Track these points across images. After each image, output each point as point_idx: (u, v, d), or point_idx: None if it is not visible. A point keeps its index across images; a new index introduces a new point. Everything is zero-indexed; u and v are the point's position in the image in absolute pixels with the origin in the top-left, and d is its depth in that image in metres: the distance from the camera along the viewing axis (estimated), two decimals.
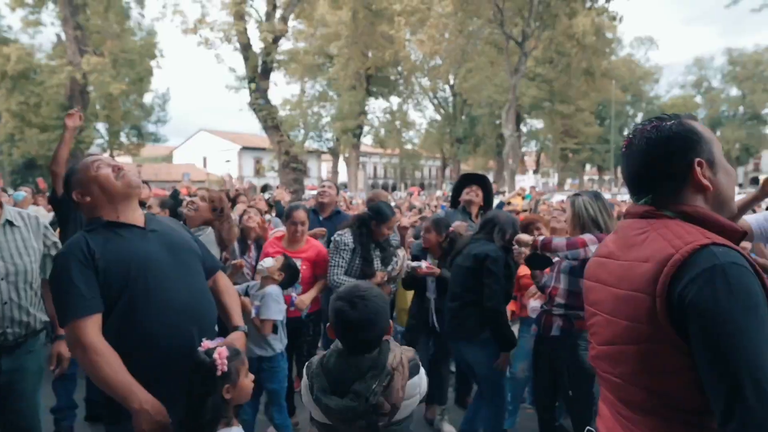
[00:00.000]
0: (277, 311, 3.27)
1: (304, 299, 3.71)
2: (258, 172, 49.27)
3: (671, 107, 47.65)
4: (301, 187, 21.51)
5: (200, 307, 2.00)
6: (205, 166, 50.63)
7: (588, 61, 23.81)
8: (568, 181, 50.39)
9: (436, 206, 11.44)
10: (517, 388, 3.86)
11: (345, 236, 3.72)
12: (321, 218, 4.78)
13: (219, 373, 1.71)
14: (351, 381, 1.72)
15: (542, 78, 31.11)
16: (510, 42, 21.67)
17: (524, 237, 3.07)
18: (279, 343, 3.37)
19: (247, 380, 1.85)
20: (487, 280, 3.22)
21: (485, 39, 24.46)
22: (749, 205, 2.58)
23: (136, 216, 1.97)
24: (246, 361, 1.88)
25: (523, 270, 3.75)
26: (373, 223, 3.74)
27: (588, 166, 53.71)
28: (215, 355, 1.72)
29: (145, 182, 5.71)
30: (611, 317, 1.27)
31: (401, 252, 4.04)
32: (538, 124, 43.08)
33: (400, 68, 35.25)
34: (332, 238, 3.77)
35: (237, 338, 2.08)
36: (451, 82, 38.98)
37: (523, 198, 18.41)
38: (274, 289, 3.31)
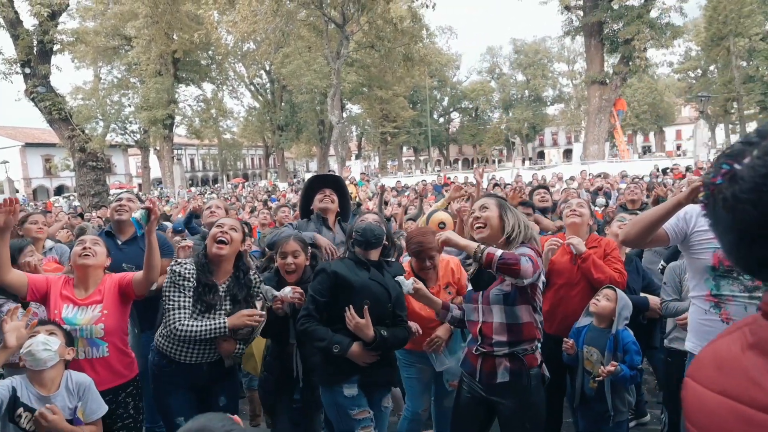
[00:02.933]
0: (101, 402, 2.39)
1: None
2: (50, 172, 42.28)
3: (472, 91, 52.69)
4: (104, 188, 18.70)
5: None
6: None
7: (407, 47, 24.61)
8: (389, 163, 52.76)
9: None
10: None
11: (185, 266, 2.70)
12: (120, 242, 3.45)
13: None
14: None
15: (360, 63, 31.50)
16: (330, 26, 21.30)
17: (453, 238, 2.33)
18: None
19: None
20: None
21: (303, 21, 23.72)
22: (672, 212, 2.18)
23: None
24: None
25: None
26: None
27: (404, 149, 56.77)
28: None
29: None
30: None
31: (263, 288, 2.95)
32: (357, 109, 43.91)
33: (211, 52, 32.77)
34: (168, 269, 2.73)
35: None
36: (268, 67, 37.54)
37: (356, 185, 18.42)
38: (84, 377, 2.36)
